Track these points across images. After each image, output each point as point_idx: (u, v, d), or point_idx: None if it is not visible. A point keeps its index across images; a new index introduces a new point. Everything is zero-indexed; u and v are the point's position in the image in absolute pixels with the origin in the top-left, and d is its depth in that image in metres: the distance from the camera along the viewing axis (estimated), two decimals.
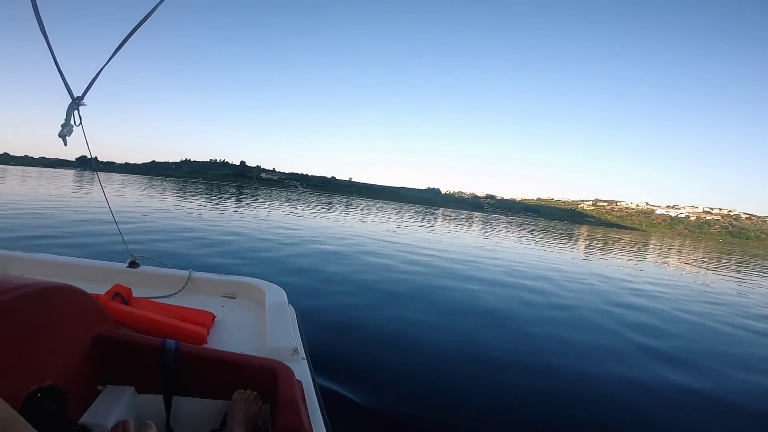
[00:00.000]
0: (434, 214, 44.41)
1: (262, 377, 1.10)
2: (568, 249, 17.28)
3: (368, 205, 51.00)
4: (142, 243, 6.93)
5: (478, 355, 3.48)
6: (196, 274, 2.07)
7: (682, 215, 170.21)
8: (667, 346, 4.43)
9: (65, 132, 1.36)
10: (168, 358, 1.11)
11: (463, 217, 49.52)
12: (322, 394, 1.26)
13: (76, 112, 1.40)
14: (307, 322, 3.94)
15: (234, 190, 51.02)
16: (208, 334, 1.51)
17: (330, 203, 41.81)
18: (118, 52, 1.48)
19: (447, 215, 47.05)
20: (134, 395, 1.11)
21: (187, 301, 1.86)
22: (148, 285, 1.99)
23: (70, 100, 1.39)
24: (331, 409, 1.32)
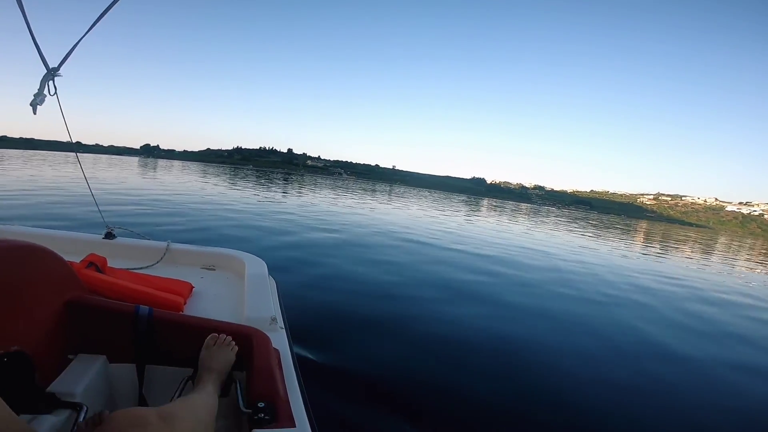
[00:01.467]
0: (477, 204, 43.13)
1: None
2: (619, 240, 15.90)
3: (413, 192, 50.49)
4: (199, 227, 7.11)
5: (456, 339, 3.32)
6: (175, 246, 2.01)
7: (756, 212, 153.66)
8: None
9: (37, 101, 1.38)
10: (140, 324, 1.06)
11: (508, 207, 47.59)
12: (301, 363, 1.27)
13: (51, 82, 1.42)
14: (296, 294, 3.75)
15: (280, 177, 52.53)
16: (185, 303, 1.47)
17: (374, 190, 41.86)
18: (98, 23, 1.46)
19: (492, 206, 45.44)
20: (106, 364, 1.08)
21: (164, 272, 1.78)
22: (125, 256, 1.92)
23: (45, 71, 1.41)
24: (310, 378, 1.34)
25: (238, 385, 1.02)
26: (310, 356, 2.49)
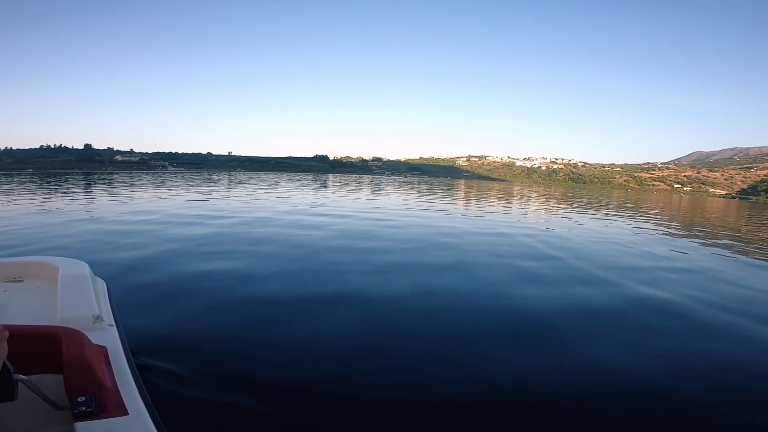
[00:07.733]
0: (325, 181, 42.98)
1: (40, 346, 1.01)
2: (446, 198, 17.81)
3: (258, 177, 46.57)
4: None
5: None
6: None
7: (536, 166, 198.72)
8: None
9: None
10: None
11: (351, 181, 48.96)
12: (138, 361, 1.33)
13: None
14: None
15: (79, 180, 41.28)
16: None
17: (210, 181, 36.93)
18: None
19: (336, 181, 45.93)
20: None
21: None
22: None
23: None
24: (162, 371, 1.74)
25: (27, 385, 0.89)
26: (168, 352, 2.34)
